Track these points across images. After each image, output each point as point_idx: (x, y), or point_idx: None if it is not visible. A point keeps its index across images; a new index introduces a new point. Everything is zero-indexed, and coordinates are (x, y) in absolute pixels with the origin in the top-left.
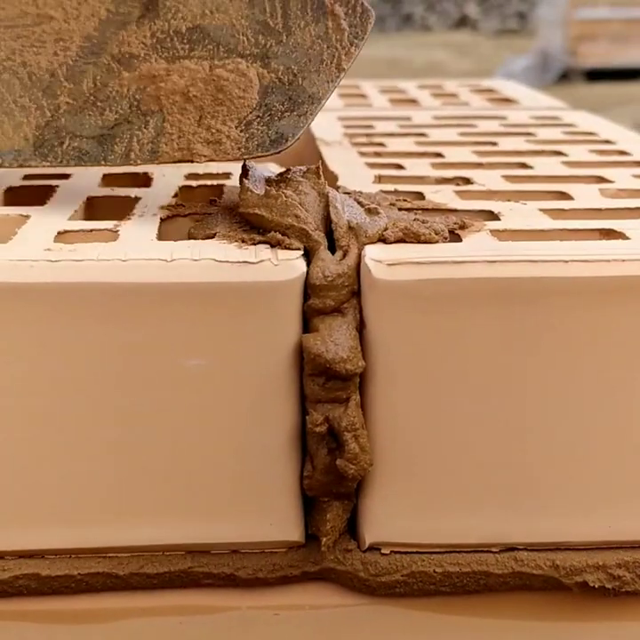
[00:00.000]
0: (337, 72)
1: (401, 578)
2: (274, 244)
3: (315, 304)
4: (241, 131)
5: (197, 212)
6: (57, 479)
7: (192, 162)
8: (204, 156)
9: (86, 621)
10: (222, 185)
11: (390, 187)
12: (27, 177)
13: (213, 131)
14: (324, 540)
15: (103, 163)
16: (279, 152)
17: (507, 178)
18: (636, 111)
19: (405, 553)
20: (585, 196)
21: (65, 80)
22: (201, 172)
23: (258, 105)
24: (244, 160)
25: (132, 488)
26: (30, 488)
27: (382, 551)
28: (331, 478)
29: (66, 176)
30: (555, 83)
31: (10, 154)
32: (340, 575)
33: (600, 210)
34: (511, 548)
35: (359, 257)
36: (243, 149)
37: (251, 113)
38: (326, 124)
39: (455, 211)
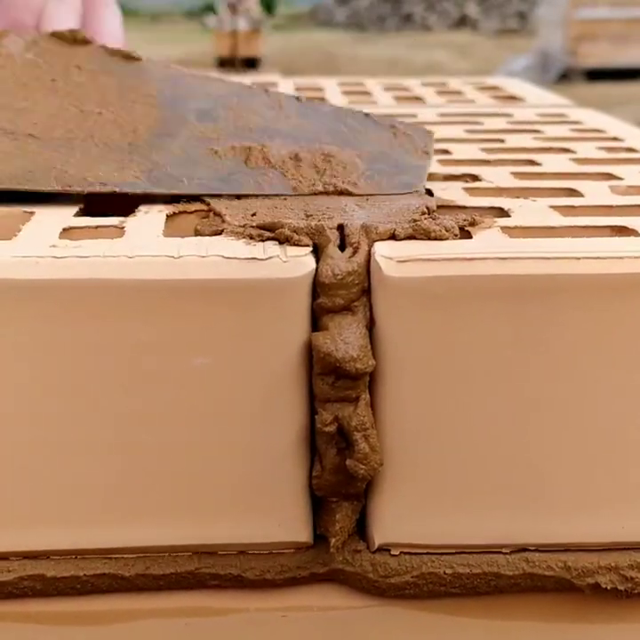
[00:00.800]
0: (426, 156)
1: (411, 579)
2: (282, 241)
3: (324, 303)
4: (365, 179)
5: (204, 208)
6: (61, 479)
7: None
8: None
9: (92, 623)
10: None
11: None
12: None
13: (338, 177)
14: (333, 540)
15: (238, 191)
16: (411, 192)
17: (515, 175)
18: (637, 111)
19: (415, 554)
20: (595, 192)
21: (149, 148)
22: None
23: (367, 168)
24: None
25: (138, 488)
26: (35, 488)
27: (392, 552)
28: (340, 478)
29: None
30: (555, 83)
31: (125, 185)
32: (348, 576)
33: (611, 207)
34: (522, 549)
35: (369, 254)
36: (376, 187)
37: (364, 172)
38: None
39: (464, 208)
